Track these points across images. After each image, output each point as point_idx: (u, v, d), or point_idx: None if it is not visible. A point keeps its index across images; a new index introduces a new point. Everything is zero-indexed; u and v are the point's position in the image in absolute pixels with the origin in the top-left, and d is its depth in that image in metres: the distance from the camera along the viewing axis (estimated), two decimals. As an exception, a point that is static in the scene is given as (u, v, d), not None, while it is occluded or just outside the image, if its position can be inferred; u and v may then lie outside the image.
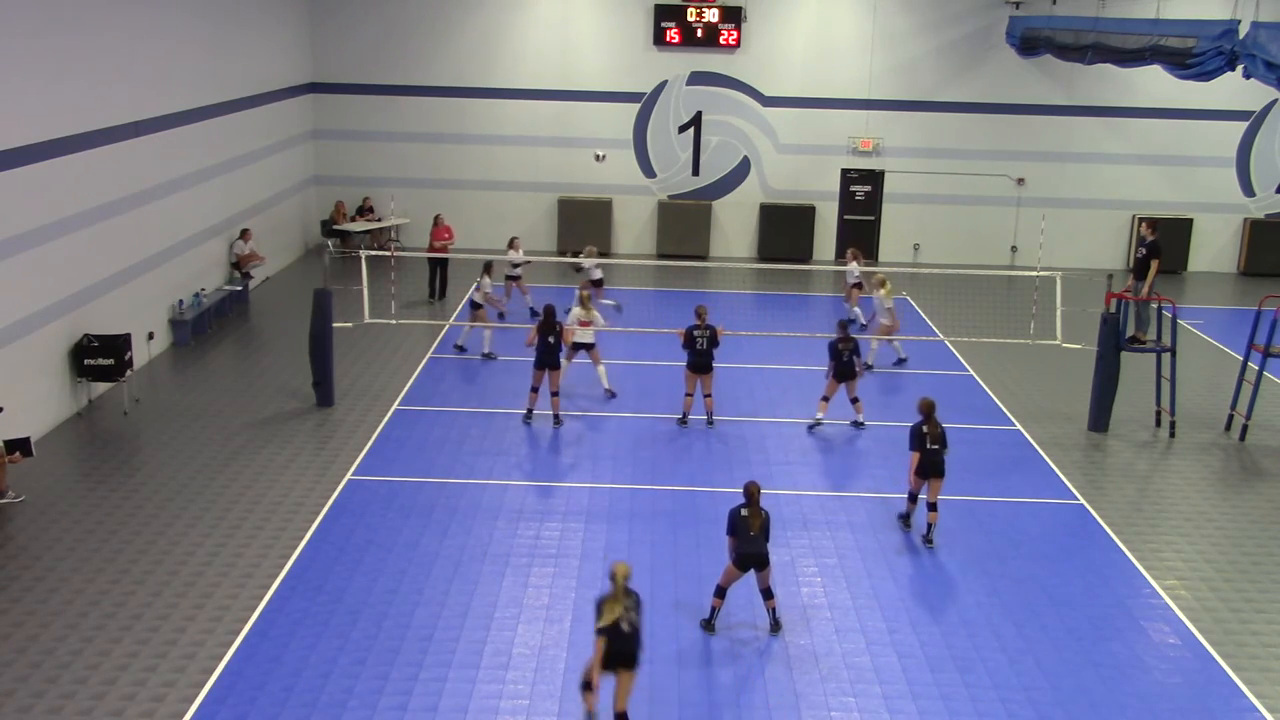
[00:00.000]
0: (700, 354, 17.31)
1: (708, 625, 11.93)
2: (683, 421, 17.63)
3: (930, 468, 13.80)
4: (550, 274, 26.41)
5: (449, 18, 28.36)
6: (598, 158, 25.38)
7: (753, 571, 11.76)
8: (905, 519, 14.40)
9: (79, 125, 17.41)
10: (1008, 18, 27.51)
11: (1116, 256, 29.19)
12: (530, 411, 17.51)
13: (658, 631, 11.84)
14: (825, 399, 17.70)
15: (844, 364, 17.37)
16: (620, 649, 9.69)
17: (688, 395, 17.62)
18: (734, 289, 26.28)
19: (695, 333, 17.29)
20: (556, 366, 17.31)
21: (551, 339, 17.15)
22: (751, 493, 11.77)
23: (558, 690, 10.82)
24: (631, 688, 9.87)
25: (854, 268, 22.84)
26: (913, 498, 14.22)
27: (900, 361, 21.06)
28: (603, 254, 25.35)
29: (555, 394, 17.41)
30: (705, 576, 12.93)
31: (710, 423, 17.62)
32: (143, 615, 11.84)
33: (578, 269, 23.72)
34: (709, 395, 17.59)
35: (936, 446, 13.75)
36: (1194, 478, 16.39)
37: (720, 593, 11.91)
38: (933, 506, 13.90)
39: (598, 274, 23.32)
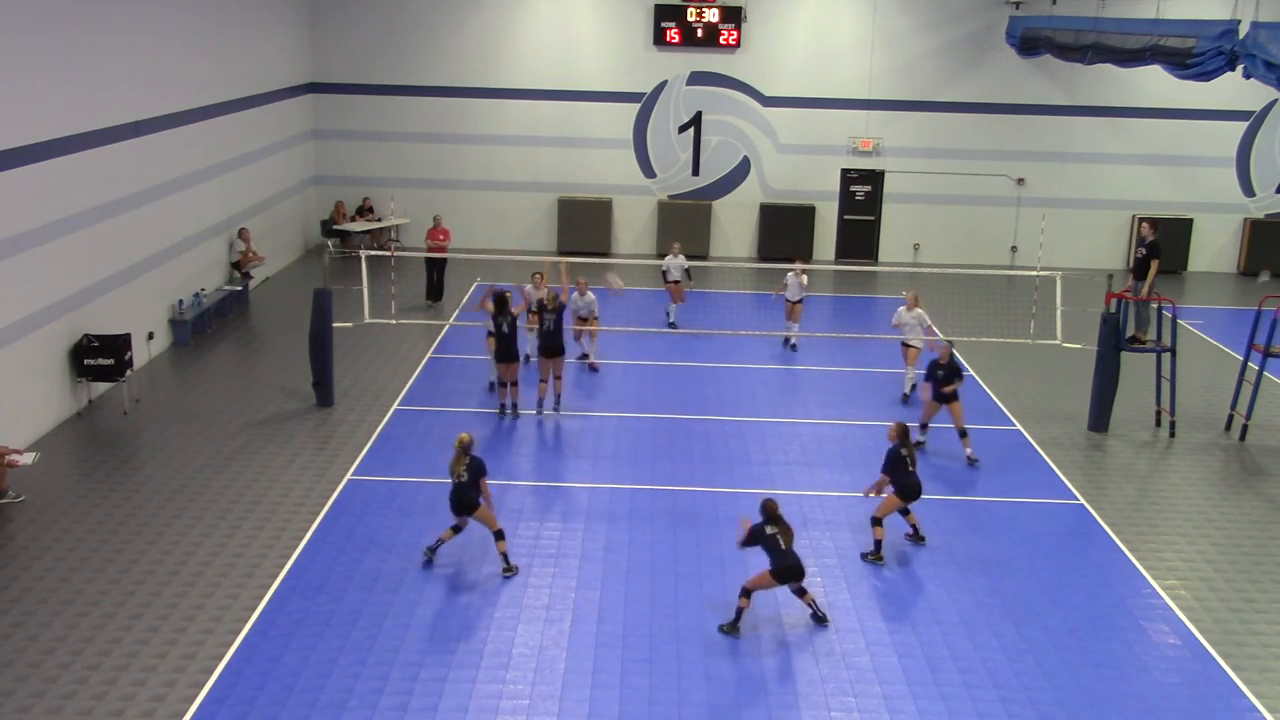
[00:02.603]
0: (547, 334, 17.28)
1: (732, 628, 11.79)
2: (540, 409, 17.62)
3: (915, 490, 13.59)
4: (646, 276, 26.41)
5: (449, 18, 28.36)
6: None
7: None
8: (876, 550, 13.54)
9: (79, 125, 17.41)
10: (1008, 18, 27.50)
11: (1116, 256, 29.19)
12: (503, 407, 17.68)
13: (658, 632, 11.85)
14: (924, 426, 16.77)
15: (939, 385, 16.40)
16: (459, 496, 12.80)
17: (542, 382, 17.63)
18: (734, 289, 26.26)
19: (545, 314, 17.27)
20: (515, 359, 17.43)
21: (506, 328, 17.22)
22: (771, 510, 11.84)
23: (557, 690, 10.81)
24: (486, 518, 12.94)
25: (804, 280, 21.24)
26: (877, 522, 13.63)
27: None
28: (681, 255, 23.38)
29: (514, 384, 17.66)
30: (705, 576, 12.94)
31: (557, 408, 17.65)
32: (143, 615, 11.84)
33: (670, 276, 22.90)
34: (559, 378, 17.69)
35: (914, 469, 13.62)
36: (1194, 478, 16.39)
37: (746, 594, 11.88)
38: (906, 510, 13.85)
39: (676, 274, 22.60)
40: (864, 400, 18.74)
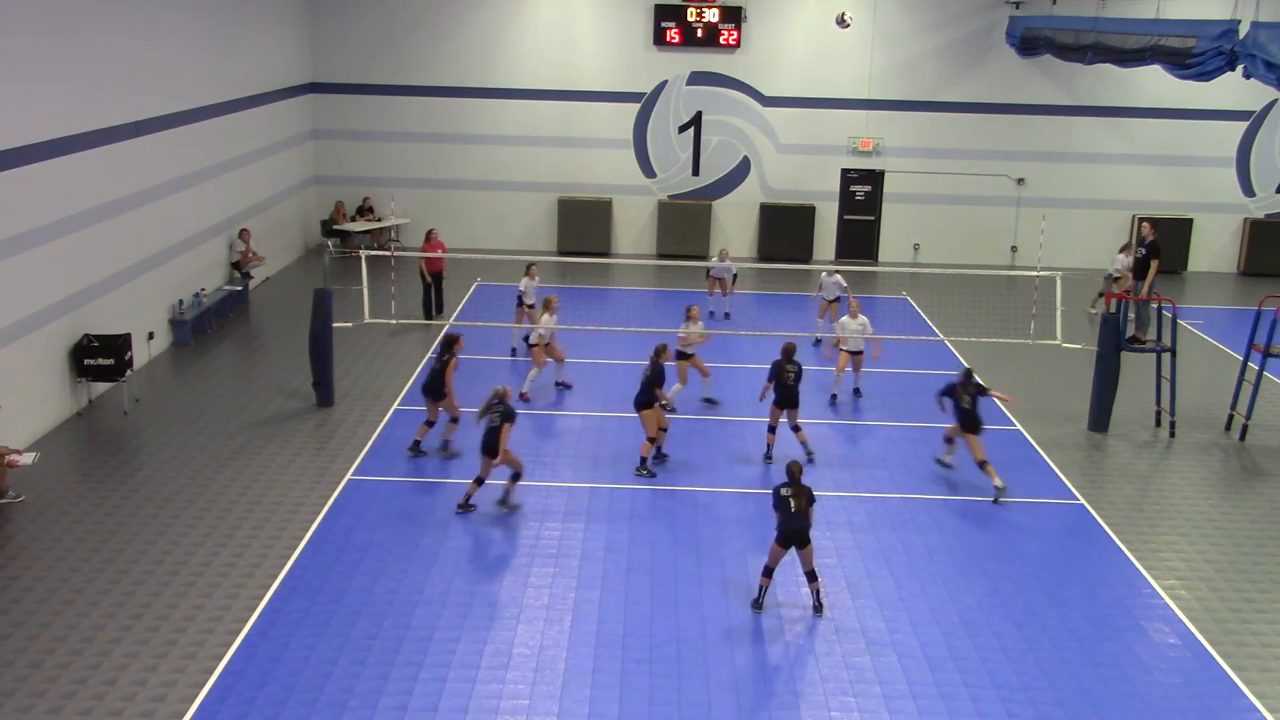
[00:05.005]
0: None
1: (756, 604, 12.29)
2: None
3: (792, 400, 15.94)
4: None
5: (449, 18, 28.37)
6: (842, 21, 25.21)
7: (795, 551, 12.12)
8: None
9: (79, 125, 17.41)
10: (1008, 18, 27.51)
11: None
12: (417, 443, 16.25)
13: (658, 632, 11.85)
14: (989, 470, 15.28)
15: (966, 412, 15.54)
16: (487, 439, 14.17)
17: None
18: (734, 289, 26.19)
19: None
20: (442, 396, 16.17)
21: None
22: (793, 472, 12.17)
23: (557, 690, 10.82)
24: (510, 460, 14.29)
25: (842, 280, 20.95)
26: (772, 430, 16.17)
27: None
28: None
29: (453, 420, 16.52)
30: (706, 576, 12.94)
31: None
32: (143, 615, 11.84)
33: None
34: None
35: (795, 384, 15.74)
36: (1194, 478, 16.39)
37: (767, 572, 12.25)
38: (797, 428, 15.87)
39: (720, 274, 23.32)
40: (863, 400, 18.71)
